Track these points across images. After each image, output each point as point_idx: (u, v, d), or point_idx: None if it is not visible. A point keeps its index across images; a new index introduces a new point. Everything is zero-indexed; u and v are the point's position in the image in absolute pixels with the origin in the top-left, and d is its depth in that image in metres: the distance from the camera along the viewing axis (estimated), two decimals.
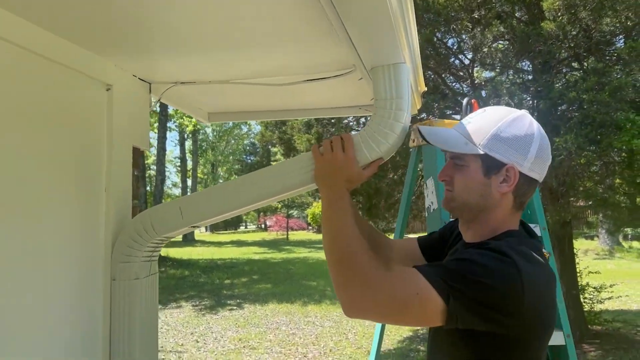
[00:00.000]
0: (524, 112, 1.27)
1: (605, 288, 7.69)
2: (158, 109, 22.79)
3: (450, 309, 1.03)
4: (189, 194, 33.36)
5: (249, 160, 47.36)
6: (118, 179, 1.40)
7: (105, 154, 1.37)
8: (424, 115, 5.88)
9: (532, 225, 1.94)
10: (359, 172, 1.27)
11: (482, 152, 1.22)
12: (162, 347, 7.47)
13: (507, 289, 1.03)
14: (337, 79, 1.43)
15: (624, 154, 4.60)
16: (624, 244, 19.96)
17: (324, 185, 1.27)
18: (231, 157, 45.58)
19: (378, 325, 2.49)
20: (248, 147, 46.78)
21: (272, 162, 30.84)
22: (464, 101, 1.77)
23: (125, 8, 1.05)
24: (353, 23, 0.99)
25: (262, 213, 42.61)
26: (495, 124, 1.23)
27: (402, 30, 1.07)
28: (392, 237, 2.33)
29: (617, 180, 5.83)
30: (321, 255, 21.00)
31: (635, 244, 20.60)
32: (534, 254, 1.13)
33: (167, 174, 32.83)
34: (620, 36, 5.09)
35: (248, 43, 1.27)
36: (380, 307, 1.09)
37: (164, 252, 19.20)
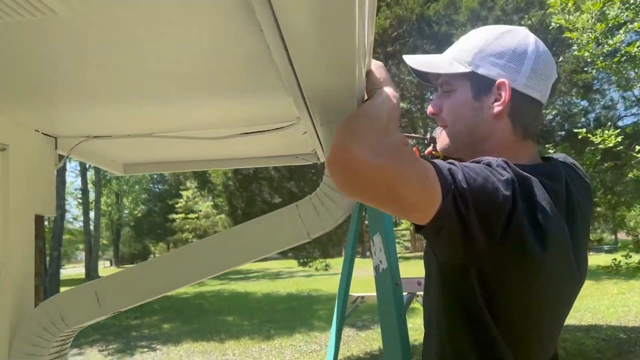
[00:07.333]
0: (520, 27, 1.13)
1: None
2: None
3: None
4: (92, 227, 31.38)
5: (157, 190, 45.65)
6: (16, 258, 1.14)
7: None
8: None
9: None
10: None
11: (467, 70, 1.09)
12: None
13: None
14: (277, 132, 1.28)
15: None
16: None
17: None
18: (137, 186, 43.54)
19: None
20: (155, 176, 45.02)
21: (181, 192, 29.76)
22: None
23: (23, 60, 0.84)
24: (311, 81, 0.85)
25: (172, 245, 41.02)
26: (484, 38, 1.10)
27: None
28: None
29: None
30: (236, 287, 20.40)
31: None
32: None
33: (67, 207, 30.63)
34: None
35: (177, 97, 1.09)
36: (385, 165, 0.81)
37: None
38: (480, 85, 1.09)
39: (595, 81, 4.96)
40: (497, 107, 1.07)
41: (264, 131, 1.27)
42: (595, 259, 5.07)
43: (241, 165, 1.71)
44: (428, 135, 1.29)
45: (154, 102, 1.14)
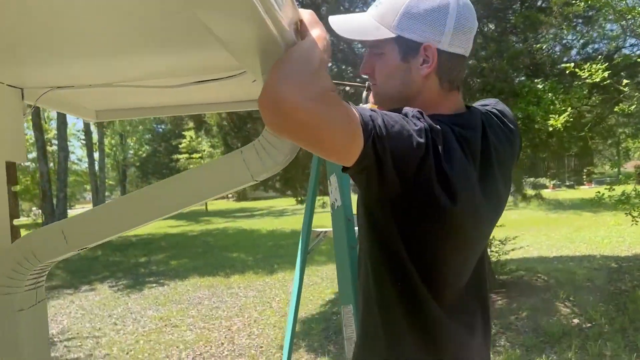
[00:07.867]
0: None
1: (510, 240, 8.20)
2: None
3: None
4: (97, 168, 31.72)
5: (160, 130, 45.63)
6: None
7: None
8: None
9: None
10: None
11: (394, 35, 1.13)
12: (78, 333, 7.16)
13: None
14: (230, 79, 1.35)
15: (521, 120, 4.89)
16: (527, 191, 21.28)
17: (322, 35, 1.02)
18: (140, 127, 43.61)
19: (294, 292, 2.45)
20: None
21: (183, 132, 29.81)
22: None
23: None
24: (230, 37, 0.90)
25: None
26: (405, 0, 1.12)
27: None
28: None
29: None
30: (242, 224, 20.86)
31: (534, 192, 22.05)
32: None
33: (71, 148, 30.80)
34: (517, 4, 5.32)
35: (129, 49, 1.15)
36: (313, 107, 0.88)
37: None
38: (407, 48, 1.13)
39: (590, 12, 4.87)
40: (426, 69, 1.12)
41: (217, 79, 1.34)
42: (597, 191, 5.14)
43: (207, 110, 1.79)
44: (367, 84, 1.35)
45: (109, 55, 1.20)
